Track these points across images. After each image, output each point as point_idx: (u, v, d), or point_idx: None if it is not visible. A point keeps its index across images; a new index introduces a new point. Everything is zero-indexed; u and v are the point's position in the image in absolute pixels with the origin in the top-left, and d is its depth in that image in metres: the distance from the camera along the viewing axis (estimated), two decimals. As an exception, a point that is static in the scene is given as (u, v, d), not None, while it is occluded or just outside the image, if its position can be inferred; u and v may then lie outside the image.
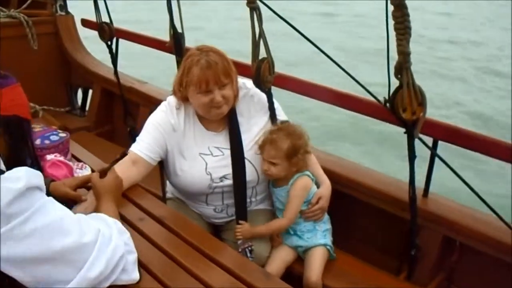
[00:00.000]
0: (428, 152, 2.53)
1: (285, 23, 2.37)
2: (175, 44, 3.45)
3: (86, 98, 5.34)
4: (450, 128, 2.70)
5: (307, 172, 2.69)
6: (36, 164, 1.77)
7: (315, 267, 2.64)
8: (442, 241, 2.74)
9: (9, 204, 1.34)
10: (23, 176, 1.40)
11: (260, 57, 2.53)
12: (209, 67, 2.49)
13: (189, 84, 2.54)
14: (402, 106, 2.09)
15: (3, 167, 1.58)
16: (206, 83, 2.51)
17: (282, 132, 2.60)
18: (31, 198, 1.41)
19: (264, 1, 2.41)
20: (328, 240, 2.74)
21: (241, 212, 2.72)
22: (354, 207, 3.08)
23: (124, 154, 2.25)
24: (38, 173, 1.49)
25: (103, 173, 2.23)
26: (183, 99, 2.64)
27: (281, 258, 2.71)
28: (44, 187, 1.50)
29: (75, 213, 2.06)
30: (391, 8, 1.91)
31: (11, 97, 1.76)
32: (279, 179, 2.71)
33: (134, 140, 2.66)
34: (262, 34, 2.46)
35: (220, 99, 2.55)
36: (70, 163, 2.67)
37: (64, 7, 5.16)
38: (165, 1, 3.28)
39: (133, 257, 1.71)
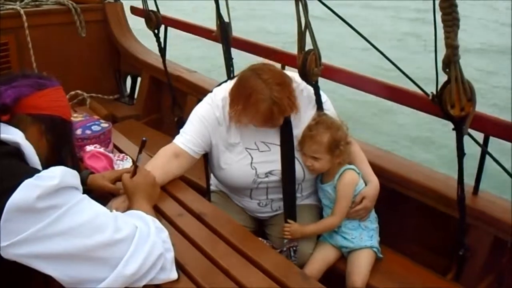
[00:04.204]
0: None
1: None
2: (222, 34, 3.50)
3: (135, 86, 5.47)
4: (502, 124, 2.65)
5: (353, 166, 2.71)
6: (77, 167, 1.84)
7: (361, 271, 2.65)
8: (493, 241, 2.71)
9: (39, 199, 1.42)
10: (58, 175, 1.49)
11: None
12: (276, 105, 2.47)
13: (252, 115, 2.54)
14: (450, 102, 2.08)
15: (40, 168, 1.66)
16: (272, 119, 2.53)
17: (321, 125, 2.62)
18: (65, 196, 1.49)
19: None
20: (375, 241, 2.75)
21: (290, 210, 2.76)
22: (402, 203, 3.07)
23: (143, 143, 2.24)
24: (75, 173, 1.58)
25: (135, 172, 2.24)
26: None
27: (323, 257, 2.74)
28: (80, 187, 1.58)
29: (112, 205, 2.15)
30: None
31: (54, 97, 1.84)
32: (325, 175, 2.75)
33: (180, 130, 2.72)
34: (308, 25, 2.46)
35: (281, 122, 2.61)
36: (111, 154, 2.71)
37: (113, -6, 5.28)
38: None
39: (171, 255, 1.75)
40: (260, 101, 2.46)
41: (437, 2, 1.93)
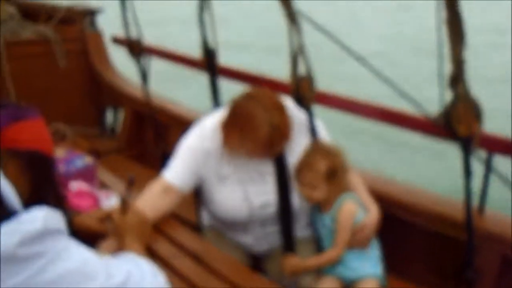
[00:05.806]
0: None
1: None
2: (208, 62, 3.42)
3: (116, 118, 5.41)
4: (507, 141, 2.62)
5: (351, 195, 2.61)
6: (61, 206, 1.71)
7: None
8: (500, 260, 2.66)
9: (20, 245, 1.27)
10: (40, 217, 1.34)
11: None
12: (276, 130, 2.40)
13: (251, 144, 2.45)
14: (457, 121, 2.03)
15: (17, 207, 1.51)
16: (272, 146, 2.45)
17: (318, 153, 2.53)
18: (49, 241, 1.35)
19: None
20: (378, 269, 2.65)
21: (288, 243, 2.66)
22: (405, 229, 3.01)
23: (131, 181, 2.19)
24: (59, 214, 1.44)
25: (124, 208, 2.17)
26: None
27: None
28: (65, 230, 1.44)
29: (101, 248, 2.04)
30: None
31: (35, 130, 1.70)
32: (323, 204, 2.64)
33: (165, 164, 2.62)
34: (302, 48, 2.42)
35: (281, 149, 2.52)
36: (96, 191, 2.64)
37: (93, 24, 5.25)
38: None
39: None
40: (259, 127, 2.36)
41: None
